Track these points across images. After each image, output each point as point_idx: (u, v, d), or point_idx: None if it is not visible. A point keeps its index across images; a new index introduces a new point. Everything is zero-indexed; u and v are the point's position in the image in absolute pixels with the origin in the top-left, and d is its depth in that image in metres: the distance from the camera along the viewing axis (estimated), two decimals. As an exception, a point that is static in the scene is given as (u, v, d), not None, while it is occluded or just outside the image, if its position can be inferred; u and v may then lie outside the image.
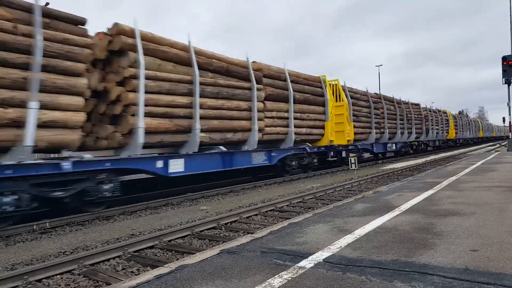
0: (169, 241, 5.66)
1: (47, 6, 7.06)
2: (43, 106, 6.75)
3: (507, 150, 22.78)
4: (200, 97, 9.80)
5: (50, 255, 5.15)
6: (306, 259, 3.33)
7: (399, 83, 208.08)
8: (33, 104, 6.57)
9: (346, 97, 17.28)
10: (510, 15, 21.68)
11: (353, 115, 17.71)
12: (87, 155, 7.76)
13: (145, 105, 8.54)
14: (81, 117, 7.39)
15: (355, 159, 14.63)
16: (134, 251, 5.15)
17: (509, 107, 21.83)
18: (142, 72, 8.46)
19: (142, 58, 8.49)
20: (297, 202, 8.72)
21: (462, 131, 41.76)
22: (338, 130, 16.53)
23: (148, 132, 8.60)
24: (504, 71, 20.47)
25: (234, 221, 6.90)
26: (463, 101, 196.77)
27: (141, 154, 8.64)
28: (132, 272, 4.44)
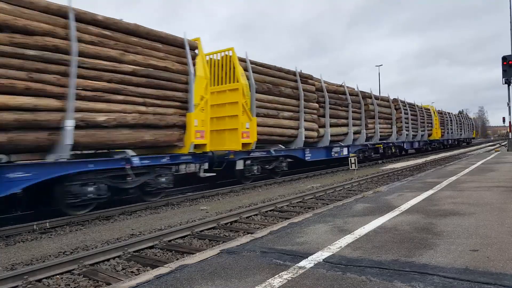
0: (169, 241, 5.66)
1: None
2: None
3: (507, 150, 22.78)
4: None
5: (50, 255, 5.15)
6: (306, 259, 3.33)
7: (408, 82, 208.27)
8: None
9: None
10: (510, 15, 21.70)
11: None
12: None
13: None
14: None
15: (355, 159, 14.64)
16: (134, 251, 5.15)
17: (509, 107, 21.84)
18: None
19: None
20: (297, 202, 8.72)
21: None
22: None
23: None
24: (504, 71, 20.47)
25: (234, 221, 6.90)
26: (466, 101, 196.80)
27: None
28: (132, 272, 4.44)
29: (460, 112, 53.37)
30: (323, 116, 15.90)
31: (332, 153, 16.64)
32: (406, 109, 25.37)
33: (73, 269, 4.48)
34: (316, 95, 15.39)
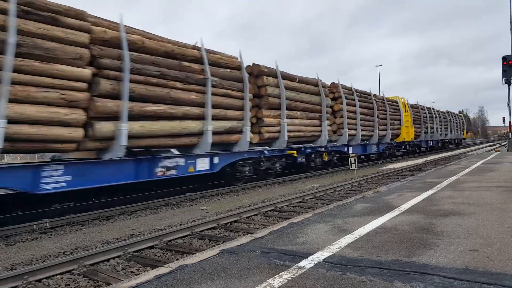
0: (169, 241, 5.66)
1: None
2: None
3: (507, 150, 22.79)
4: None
5: (50, 255, 5.15)
6: (306, 259, 3.33)
7: (409, 82, 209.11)
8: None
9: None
10: (510, 15, 21.71)
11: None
12: None
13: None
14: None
15: (355, 159, 14.64)
16: (134, 251, 5.15)
17: (509, 107, 21.85)
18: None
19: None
20: (297, 202, 8.72)
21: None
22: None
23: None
24: (504, 71, 20.48)
25: (234, 221, 6.90)
26: (466, 101, 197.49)
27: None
28: (132, 272, 4.44)
29: (461, 112, 51.45)
30: (116, 97, 7.90)
31: (157, 170, 8.89)
32: (353, 99, 18.35)
33: (73, 269, 4.48)
34: (87, 52, 7.44)
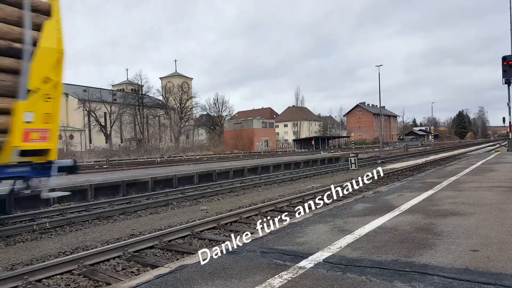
0: (169, 241, 5.66)
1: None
2: None
3: (507, 150, 22.79)
4: None
5: (50, 255, 5.15)
6: (306, 259, 3.32)
7: (414, 82, 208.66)
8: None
9: None
10: (510, 15, 21.69)
11: None
12: None
13: None
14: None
15: (355, 159, 14.66)
16: (134, 251, 5.15)
17: (509, 107, 21.84)
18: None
19: None
20: (297, 202, 8.71)
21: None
22: None
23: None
24: (504, 71, 20.45)
25: (234, 221, 6.90)
26: (468, 101, 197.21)
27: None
28: (132, 272, 4.44)
29: (461, 113, 50.48)
30: None
31: None
32: None
33: (73, 269, 4.48)
34: None
